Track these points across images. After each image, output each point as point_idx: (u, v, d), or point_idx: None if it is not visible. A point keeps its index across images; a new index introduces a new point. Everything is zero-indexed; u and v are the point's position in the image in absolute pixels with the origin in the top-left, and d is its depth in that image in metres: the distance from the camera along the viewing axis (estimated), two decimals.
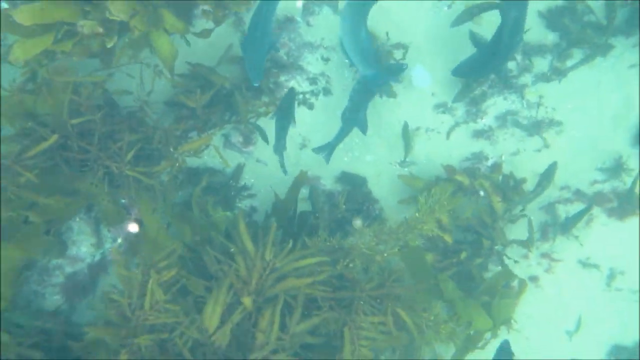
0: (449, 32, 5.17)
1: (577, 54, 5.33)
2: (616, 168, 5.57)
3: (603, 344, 6.02)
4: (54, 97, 4.43)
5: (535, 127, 5.52)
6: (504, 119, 5.52)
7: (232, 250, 4.66)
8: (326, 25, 5.26)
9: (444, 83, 5.38)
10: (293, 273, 4.61)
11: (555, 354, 5.96)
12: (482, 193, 5.36)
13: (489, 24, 5.07)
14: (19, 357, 4.45)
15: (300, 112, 5.41)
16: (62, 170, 4.54)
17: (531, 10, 5.13)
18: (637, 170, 5.53)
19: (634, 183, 5.50)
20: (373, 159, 5.61)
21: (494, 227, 5.37)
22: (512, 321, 5.40)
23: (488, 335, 5.31)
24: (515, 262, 5.60)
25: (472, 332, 5.23)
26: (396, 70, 5.08)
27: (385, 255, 4.83)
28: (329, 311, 4.66)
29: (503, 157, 5.60)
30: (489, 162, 5.61)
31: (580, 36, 5.18)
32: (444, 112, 5.52)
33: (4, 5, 4.45)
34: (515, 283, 5.60)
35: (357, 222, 5.14)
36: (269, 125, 5.06)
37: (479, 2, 5.06)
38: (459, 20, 5.12)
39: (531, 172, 5.56)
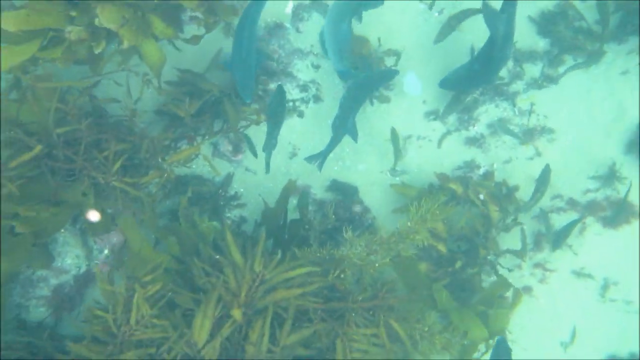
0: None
1: (569, 61, 5.33)
2: (609, 176, 5.53)
3: (598, 355, 5.95)
4: (39, 105, 4.34)
5: (528, 135, 5.49)
6: (495, 127, 5.50)
7: (220, 261, 4.57)
8: (316, 32, 5.23)
9: (435, 90, 5.34)
10: (283, 284, 4.52)
11: None
12: (481, 197, 5.30)
13: (470, 30, 5.11)
14: None
15: (291, 120, 5.36)
16: (47, 179, 4.43)
17: (522, 16, 5.15)
18: (630, 179, 5.50)
19: (627, 191, 5.47)
20: (364, 167, 5.55)
21: (487, 236, 5.32)
22: (507, 332, 5.31)
23: (482, 347, 5.22)
24: (510, 270, 5.54)
25: (466, 343, 5.15)
26: (388, 76, 5.05)
27: (377, 265, 4.75)
28: (321, 323, 4.57)
29: (495, 166, 5.56)
30: (481, 171, 5.57)
31: (572, 42, 5.19)
32: (435, 120, 5.49)
33: None
34: (509, 293, 5.53)
35: (348, 233, 5.07)
36: (257, 135, 4.99)
37: (459, 11, 5.11)
38: (441, 36, 5.14)
39: (524, 180, 5.52)
